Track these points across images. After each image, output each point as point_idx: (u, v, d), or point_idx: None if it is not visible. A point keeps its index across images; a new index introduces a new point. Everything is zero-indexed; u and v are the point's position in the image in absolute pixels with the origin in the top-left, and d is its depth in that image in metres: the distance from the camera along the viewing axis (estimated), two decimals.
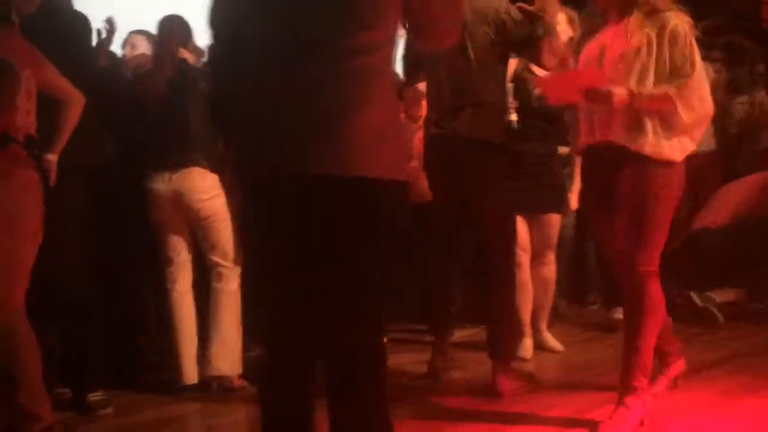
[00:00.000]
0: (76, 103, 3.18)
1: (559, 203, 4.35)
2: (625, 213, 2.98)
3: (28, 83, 2.92)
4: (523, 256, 4.22)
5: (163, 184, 3.72)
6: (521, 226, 4.16)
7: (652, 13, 2.95)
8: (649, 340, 3.03)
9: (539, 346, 4.40)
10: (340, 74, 1.94)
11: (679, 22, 2.92)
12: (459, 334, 4.38)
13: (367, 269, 2.03)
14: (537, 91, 4.02)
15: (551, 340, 4.46)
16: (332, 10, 1.94)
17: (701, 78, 2.95)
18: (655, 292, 3.01)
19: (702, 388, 3.58)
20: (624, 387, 3.05)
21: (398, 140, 2.10)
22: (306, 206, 1.98)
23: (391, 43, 2.05)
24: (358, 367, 2.02)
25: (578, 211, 4.68)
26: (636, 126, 2.93)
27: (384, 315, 2.16)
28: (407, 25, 2.08)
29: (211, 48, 2.22)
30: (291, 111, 1.95)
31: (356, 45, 1.94)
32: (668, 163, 2.95)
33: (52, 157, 3.10)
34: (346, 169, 1.93)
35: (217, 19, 2.15)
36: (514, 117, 3.97)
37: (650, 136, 2.92)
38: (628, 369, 3.04)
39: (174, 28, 3.84)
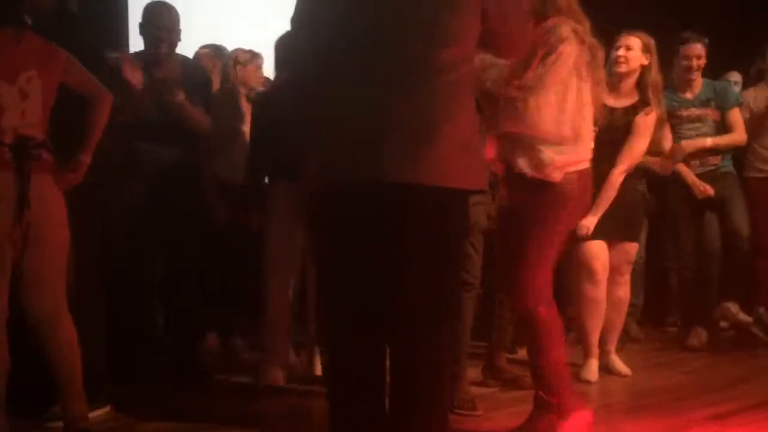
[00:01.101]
0: (103, 101, 3.15)
1: (634, 230, 4.25)
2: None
3: (25, 84, 2.89)
4: (602, 272, 4.10)
5: None
6: (599, 244, 4.08)
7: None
8: (545, 364, 3.02)
9: (606, 369, 4.27)
10: (431, 89, 2.08)
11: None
12: None
13: (453, 274, 2.21)
14: None
15: (618, 363, 4.32)
16: (421, 29, 2.08)
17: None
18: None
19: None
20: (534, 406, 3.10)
21: (479, 151, 2.24)
22: (394, 212, 2.09)
23: (473, 59, 2.21)
24: (426, 368, 2.12)
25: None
26: None
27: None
28: (487, 41, 2.26)
29: (292, 70, 2.39)
30: (386, 125, 2.07)
31: (444, 60, 2.09)
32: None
33: (83, 158, 3.08)
34: (435, 179, 2.07)
35: (298, 42, 2.30)
36: None
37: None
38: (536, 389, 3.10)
39: None
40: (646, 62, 4.05)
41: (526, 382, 3.88)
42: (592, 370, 4.15)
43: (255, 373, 3.97)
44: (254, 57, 4.77)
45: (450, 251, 2.17)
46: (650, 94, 4.01)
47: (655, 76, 4.04)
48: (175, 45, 3.98)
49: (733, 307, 5.39)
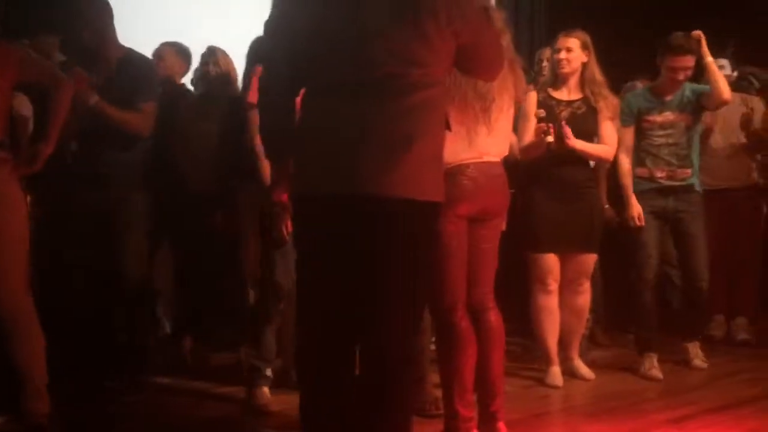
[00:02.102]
0: (62, 88, 3.13)
1: (591, 241, 4.28)
2: None
3: None
4: (553, 284, 4.22)
5: None
6: (552, 257, 4.19)
7: None
8: (452, 372, 3.07)
9: (571, 374, 4.34)
10: (404, 106, 2.21)
11: None
12: None
13: (421, 279, 2.30)
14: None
15: (582, 368, 4.39)
16: (394, 50, 2.19)
17: None
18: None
19: (730, 426, 3.50)
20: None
21: (441, 167, 2.36)
22: (367, 222, 2.22)
23: (446, 80, 2.37)
24: (389, 366, 2.25)
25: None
26: None
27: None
28: (460, 65, 2.41)
29: (265, 78, 2.39)
30: (362, 139, 2.19)
31: (416, 80, 2.21)
32: None
33: (43, 147, 3.06)
34: (405, 192, 2.21)
35: (272, 50, 2.37)
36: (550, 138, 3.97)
37: None
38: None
39: None
40: (585, 59, 4.24)
41: None
42: (556, 375, 4.22)
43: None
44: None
45: (418, 259, 2.28)
46: (588, 88, 4.23)
47: (592, 70, 4.24)
48: (103, 43, 3.77)
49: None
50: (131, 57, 3.84)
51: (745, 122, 5.39)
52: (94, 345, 3.73)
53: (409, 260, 2.26)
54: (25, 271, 3.01)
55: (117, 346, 3.84)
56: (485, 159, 3.08)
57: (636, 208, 4.46)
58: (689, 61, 4.42)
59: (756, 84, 5.51)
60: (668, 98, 4.51)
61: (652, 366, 4.43)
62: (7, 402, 3.15)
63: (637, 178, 4.53)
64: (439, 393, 3.29)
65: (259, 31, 2.56)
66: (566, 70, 4.25)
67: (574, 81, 4.27)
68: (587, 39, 4.26)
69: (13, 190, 2.98)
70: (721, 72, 4.56)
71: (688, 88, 4.53)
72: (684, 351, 4.65)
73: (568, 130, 4.08)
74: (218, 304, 4.56)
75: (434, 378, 3.71)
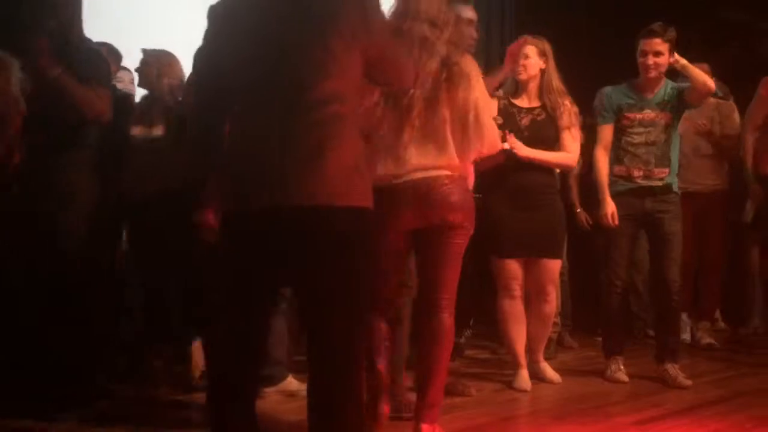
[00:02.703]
0: None
1: (556, 247, 4.34)
2: None
3: None
4: (518, 289, 4.27)
5: None
6: (515, 263, 4.24)
7: None
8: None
9: (537, 377, 4.38)
10: (316, 120, 2.30)
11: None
12: None
13: (355, 283, 2.34)
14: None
15: (549, 371, 4.44)
16: (303, 65, 2.31)
17: None
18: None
19: (694, 428, 3.56)
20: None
21: (365, 175, 2.40)
22: (292, 232, 2.28)
23: (357, 95, 2.46)
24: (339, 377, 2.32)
25: None
26: None
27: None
28: (373, 76, 2.52)
29: (194, 91, 2.51)
30: (278, 152, 2.29)
31: (326, 94, 2.31)
32: None
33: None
34: (324, 199, 2.28)
35: (203, 66, 2.48)
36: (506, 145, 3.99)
37: None
38: None
39: None
40: (543, 66, 4.29)
41: (459, 389, 3.99)
42: (524, 378, 4.26)
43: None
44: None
45: (348, 260, 2.33)
46: (546, 96, 4.28)
47: (549, 77, 4.29)
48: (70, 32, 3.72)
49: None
50: (89, 46, 3.82)
51: (704, 132, 5.47)
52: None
53: (340, 264, 2.31)
54: None
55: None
56: (420, 174, 3.06)
57: (610, 207, 4.42)
58: (659, 45, 4.31)
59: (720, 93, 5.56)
60: (649, 96, 4.45)
61: (618, 369, 4.48)
62: None
63: (614, 176, 4.49)
64: (412, 397, 3.31)
65: None
66: (523, 77, 4.29)
67: (533, 88, 4.31)
68: (545, 46, 4.29)
69: None
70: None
71: (670, 86, 4.46)
72: (662, 373, 4.45)
73: (512, 141, 4.11)
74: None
75: (407, 381, 3.76)
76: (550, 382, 4.40)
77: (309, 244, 2.30)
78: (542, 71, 4.29)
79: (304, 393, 3.39)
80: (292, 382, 3.94)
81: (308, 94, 2.31)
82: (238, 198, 2.36)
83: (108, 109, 3.73)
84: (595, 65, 5.83)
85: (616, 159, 4.51)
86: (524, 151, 4.14)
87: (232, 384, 2.42)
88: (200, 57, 2.58)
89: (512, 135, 4.11)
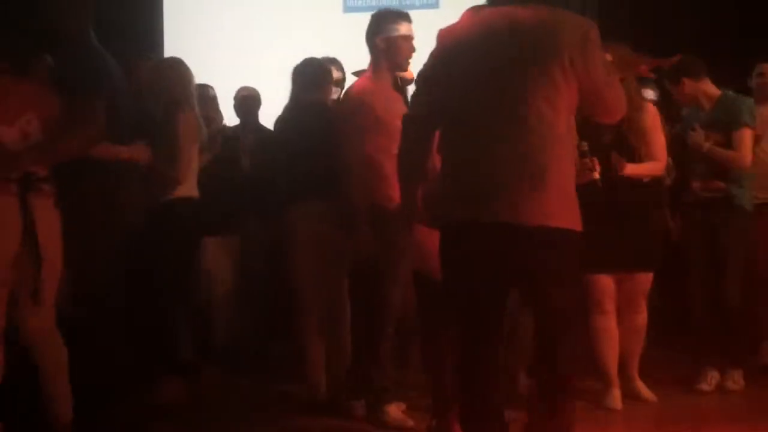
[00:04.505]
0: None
1: (651, 260, 4.18)
2: None
3: (25, 125, 3.10)
4: (609, 305, 4.12)
5: None
6: (606, 278, 4.11)
7: None
8: None
9: (631, 396, 4.20)
10: (542, 143, 2.50)
11: None
12: None
13: (566, 302, 2.59)
14: None
15: (644, 389, 4.26)
16: (525, 90, 2.51)
17: None
18: None
19: None
20: None
21: (574, 198, 2.62)
22: (513, 247, 2.52)
23: (571, 121, 2.63)
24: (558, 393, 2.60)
25: None
26: None
27: None
28: (582, 107, 2.67)
29: (409, 121, 2.79)
30: (503, 172, 2.51)
31: (547, 120, 2.50)
32: None
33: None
34: (548, 220, 2.50)
35: (427, 93, 2.71)
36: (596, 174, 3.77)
37: None
38: None
39: None
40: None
41: None
42: (615, 397, 4.10)
43: None
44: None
45: (563, 275, 2.59)
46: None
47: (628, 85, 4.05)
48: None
49: None
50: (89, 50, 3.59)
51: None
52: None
53: (557, 274, 2.56)
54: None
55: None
56: None
57: None
58: None
59: None
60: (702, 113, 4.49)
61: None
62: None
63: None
64: None
65: None
66: None
67: None
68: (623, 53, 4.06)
69: (55, 221, 3.17)
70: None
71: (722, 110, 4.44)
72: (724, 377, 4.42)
73: (620, 162, 3.98)
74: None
75: None
76: (645, 400, 4.22)
77: (529, 260, 2.53)
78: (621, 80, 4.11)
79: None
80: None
81: (530, 118, 2.50)
82: (465, 209, 2.57)
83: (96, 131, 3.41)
84: None
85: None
86: (628, 169, 4.02)
87: (489, 401, 2.63)
88: (422, 79, 2.76)
89: (621, 158, 3.99)
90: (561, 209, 2.54)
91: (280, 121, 4.35)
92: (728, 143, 4.40)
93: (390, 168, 3.59)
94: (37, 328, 3.12)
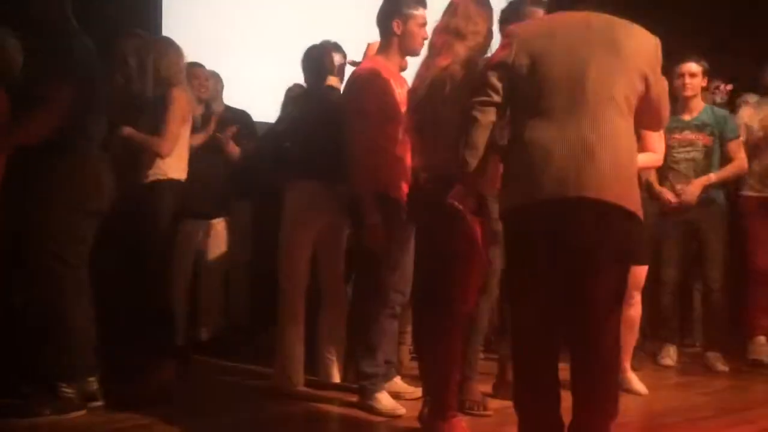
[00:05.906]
0: None
1: (643, 252, 4.17)
2: None
3: None
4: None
5: None
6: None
7: None
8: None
9: (622, 388, 4.17)
10: (621, 129, 2.65)
11: None
12: None
13: (626, 271, 2.73)
14: None
15: (635, 382, 4.26)
16: (606, 83, 2.64)
17: None
18: None
19: None
20: None
21: (637, 184, 2.74)
22: (589, 222, 2.59)
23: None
24: (601, 363, 2.64)
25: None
26: None
27: None
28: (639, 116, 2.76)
29: (477, 100, 2.78)
30: (584, 153, 2.58)
31: (621, 111, 2.65)
32: None
33: None
34: (622, 200, 2.61)
35: (505, 80, 2.74)
36: None
37: None
38: None
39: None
40: None
41: None
42: None
43: None
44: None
45: (627, 252, 2.69)
46: None
47: None
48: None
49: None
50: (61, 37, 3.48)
51: None
52: None
53: (620, 253, 2.65)
54: None
55: None
56: None
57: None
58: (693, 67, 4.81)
59: None
60: (687, 118, 4.84)
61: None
62: None
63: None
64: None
65: None
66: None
67: None
68: None
69: None
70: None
71: (711, 113, 4.87)
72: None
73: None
74: None
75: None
76: (637, 393, 4.22)
77: (612, 233, 2.61)
78: None
79: (410, 394, 3.83)
80: (398, 383, 3.92)
81: (608, 108, 2.62)
82: (542, 189, 2.60)
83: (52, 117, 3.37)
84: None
85: (661, 177, 4.85)
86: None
87: (547, 380, 2.67)
88: (496, 66, 2.76)
89: None
90: (634, 195, 2.67)
91: (286, 107, 4.34)
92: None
93: (397, 154, 3.61)
94: None
